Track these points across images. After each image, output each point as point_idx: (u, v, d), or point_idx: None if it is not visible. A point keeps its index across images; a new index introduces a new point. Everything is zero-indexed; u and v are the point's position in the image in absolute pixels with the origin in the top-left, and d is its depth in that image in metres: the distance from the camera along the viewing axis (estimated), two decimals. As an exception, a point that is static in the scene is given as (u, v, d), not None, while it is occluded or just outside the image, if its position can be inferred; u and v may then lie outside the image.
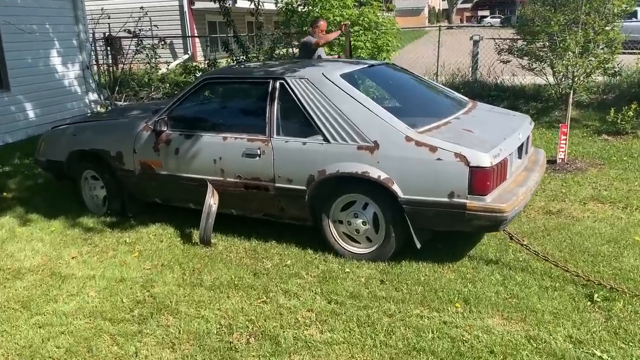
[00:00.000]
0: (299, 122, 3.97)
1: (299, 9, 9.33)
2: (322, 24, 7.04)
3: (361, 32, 8.59)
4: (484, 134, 3.76)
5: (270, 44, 8.42)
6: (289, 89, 4.00)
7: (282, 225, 4.29)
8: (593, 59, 7.34)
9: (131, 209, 4.87)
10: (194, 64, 10.15)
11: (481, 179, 3.34)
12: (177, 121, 4.44)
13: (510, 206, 3.39)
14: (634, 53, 8.50)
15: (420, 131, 3.61)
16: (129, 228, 4.65)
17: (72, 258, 4.12)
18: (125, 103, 8.66)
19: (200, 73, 9.80)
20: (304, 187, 3.87)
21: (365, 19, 8.75)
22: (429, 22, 55.22)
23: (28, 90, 8.76)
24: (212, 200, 4.20)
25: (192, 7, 14.71)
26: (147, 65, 8.87)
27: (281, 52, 8.04)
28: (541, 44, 8.19)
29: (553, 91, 8.43)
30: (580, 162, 6.13)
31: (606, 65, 7.66)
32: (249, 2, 8.47)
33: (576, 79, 6.48)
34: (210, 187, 4.21)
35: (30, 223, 4.87)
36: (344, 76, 4.00)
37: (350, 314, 3.15)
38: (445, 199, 3.43)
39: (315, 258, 3.91)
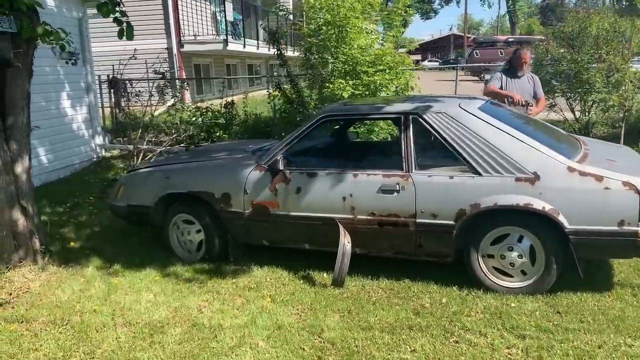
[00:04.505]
0: (441, 156, 3.94)
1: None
2: (526, 55, 5.85)
3: (386, 70, 8.70)
4: (628, 164, 3.85)
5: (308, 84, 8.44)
6: (425, 124, 3.96)
7: (404, 262, 4.16)
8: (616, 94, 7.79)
9: (234, 253, 4.61)
10: (206, 105, 9.91)
11: (653, 206, 3.40)
12: (296, 159, 4.30)
13: (679, 231, 3.47)
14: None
15: (577, 161, 3.66)
16: (239, 273, 4.38)
17: (203, 307, 3.82)
18: (146, 146, 8.30)
19: (210, 114, 9.61)
20: (452, 222, 3.80)
21: (386, 59, 8.87)
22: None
23: (42, 134, 8.24)
24: (345, 240, 4.04)
25: (181, 49, 14.53)
26: (171, 107, 8.61)
27: (327, 92, 7.98)
28: (563, 81, 8.61)
29: (574, 127, 8.86)
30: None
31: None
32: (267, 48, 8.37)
33: (627, 112, 6.81)
34: (341, 226, 4.06)
35: (122, 274, 4.49)
36: (482, 109, 4.02)
37: (559, 347, 3.06)
38: (615, 228, 3.46)
39: (467, 295, 3.82)
